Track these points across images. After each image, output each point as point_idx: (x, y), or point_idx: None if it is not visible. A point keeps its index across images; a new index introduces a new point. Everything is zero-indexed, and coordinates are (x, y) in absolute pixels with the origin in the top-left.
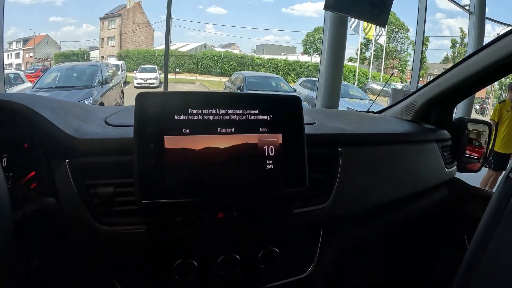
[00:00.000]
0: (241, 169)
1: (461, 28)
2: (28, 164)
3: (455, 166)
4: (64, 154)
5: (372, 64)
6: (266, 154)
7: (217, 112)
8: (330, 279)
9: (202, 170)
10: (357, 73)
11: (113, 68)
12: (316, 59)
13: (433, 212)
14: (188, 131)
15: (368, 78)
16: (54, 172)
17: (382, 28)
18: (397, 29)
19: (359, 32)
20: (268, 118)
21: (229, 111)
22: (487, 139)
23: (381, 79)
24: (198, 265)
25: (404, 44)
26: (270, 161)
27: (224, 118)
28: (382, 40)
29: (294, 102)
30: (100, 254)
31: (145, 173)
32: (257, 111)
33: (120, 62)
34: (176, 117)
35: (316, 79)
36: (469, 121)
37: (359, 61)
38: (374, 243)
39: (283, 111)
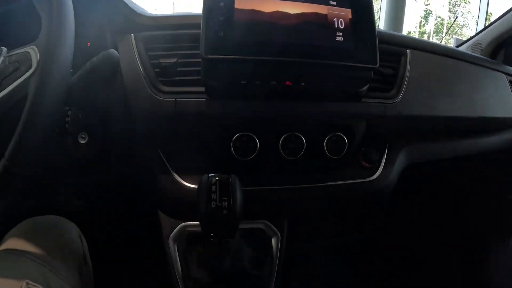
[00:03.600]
0: (310, 36)
1: None
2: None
3: None
4: (130, 29)
5: (432, 39)
6: (336, 26)
7: None
8: (394, 192)
9: (270, 32)
10: None
11: None
12: None
13: (502, 151)
14: None
15: None
16: (118, 46)
17: None
18: (459, 2)
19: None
20: None
21: None
22: None
23: None
24: (259, 142)
25: (467, 18)
26: (340, 33)
27: None
28: (444, 12)
29: None
30: (153, 127)
31: (212, 28)
32: None
33: None
34: None
35: None
36: None
37: (419, 35)
38: (439, 168)
39: None
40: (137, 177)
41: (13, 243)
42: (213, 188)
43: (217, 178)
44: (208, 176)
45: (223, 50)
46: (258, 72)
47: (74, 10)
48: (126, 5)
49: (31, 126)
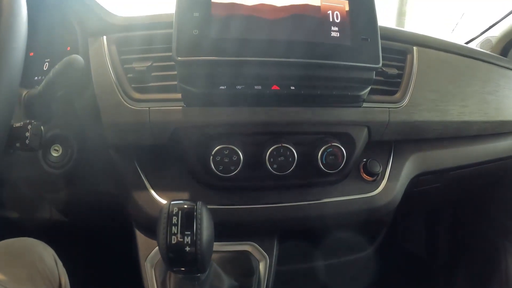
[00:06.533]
0: (300, 32)
1: None
2: None
3: None
4: (103, 31)
5: None
6: (331, 20)
7: None
8: (401, 205)
9: (253, 28)
10: None
11: None
12: None
13: None
14: None
15: None
16: (89, 49)
17: None
18: None
19: None
20: None
21: None
22: None
23: None
24: (243, 155)
25: None
26: (336, 28)
27: None
28: None
29: None
30: (127, 139)
31: (185, 26)
32: None
33: None
34: None
35: None
36: None
37: None
38: (450, 176)
39: None
40: (114, 192)
41: None
42: (174, 219)
43: (179, 207)
44: (170, 204)
45: (198, 51)
46: (239, 75)
47: (46, 12)
48: (98, 4)
49: None
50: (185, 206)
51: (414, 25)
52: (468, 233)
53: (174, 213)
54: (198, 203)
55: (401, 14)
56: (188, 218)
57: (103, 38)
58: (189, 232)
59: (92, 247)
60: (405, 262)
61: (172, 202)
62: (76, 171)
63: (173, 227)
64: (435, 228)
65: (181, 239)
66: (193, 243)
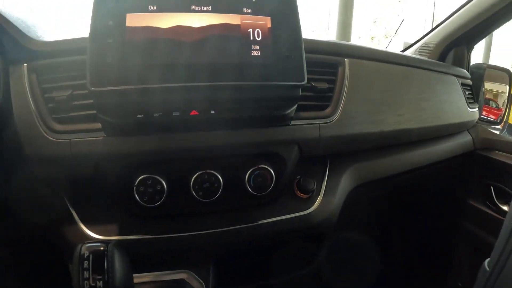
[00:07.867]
0: (218, 52)
1: None
2: None
3: (477, 109)
4: (23, 58)
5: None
6: (252, 38)
7: None
8: (339, 220)
9: (169, 52)
10: None
11: None
12: None
13: (456, 158)
14: (155, 8)
15: None
16: (10, 78)
17: None
18: None
19: None
20: None
21: None
22: (505, 101)
23: None
24: (166, 184)
25: None
26: (257, 47)
27: None
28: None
29: None
30: (52, 172)
31: (99, 54)
32: None
33: None
34: None
35: None
36: (488, 66)
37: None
38: (390, 186)
39: None
40: (45, 227)
41: None
42: (86, 264)
43: (90, 250)
44: (81, 247)
45: (113, 80)
46: (155, 103)
47: None
48: (19, 31)
49: None
50: (96, 249)
51: (359, 35)
52: (420, 233)
53: (85, 256)
54: (109, 244)
55: (345, 26)
56: (99, 261)
57: (23, 66)
58: (100, 276)
59: (28, 285)
60: (360, 266)
61: (84, 245)
62: (5, 206)
63: (85, 272)
64: (388, 231)
65: (93, 284)
66: (106, 287)
